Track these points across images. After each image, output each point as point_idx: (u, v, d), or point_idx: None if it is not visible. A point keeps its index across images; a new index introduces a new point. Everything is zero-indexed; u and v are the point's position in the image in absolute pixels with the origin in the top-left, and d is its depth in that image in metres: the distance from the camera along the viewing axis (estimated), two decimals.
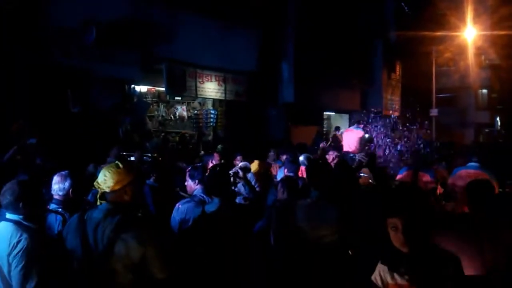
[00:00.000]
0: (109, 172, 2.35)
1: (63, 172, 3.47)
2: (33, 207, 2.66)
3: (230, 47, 10.02)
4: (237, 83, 10.53)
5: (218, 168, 3.70)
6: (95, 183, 2.38)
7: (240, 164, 5.63)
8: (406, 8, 15.65)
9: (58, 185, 3.40)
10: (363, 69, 15.30)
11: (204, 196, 3.44)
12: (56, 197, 3.41)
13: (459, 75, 21.47)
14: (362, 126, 8.47)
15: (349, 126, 15.57)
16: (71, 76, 6.97)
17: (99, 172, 2.46)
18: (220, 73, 9.96)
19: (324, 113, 15.11)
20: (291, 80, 11.69)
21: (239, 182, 4.84)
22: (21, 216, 2.57)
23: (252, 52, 10.59)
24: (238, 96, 10.44)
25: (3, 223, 2.58)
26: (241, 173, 4.88)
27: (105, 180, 2.34)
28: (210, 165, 5.18)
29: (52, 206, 3.38)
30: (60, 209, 3.33)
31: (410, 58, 16.80)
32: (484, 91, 22.98)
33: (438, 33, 16.07)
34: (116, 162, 2.44)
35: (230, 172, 4.59)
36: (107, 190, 2.34)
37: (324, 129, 14.86)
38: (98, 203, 2.41)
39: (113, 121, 7.91)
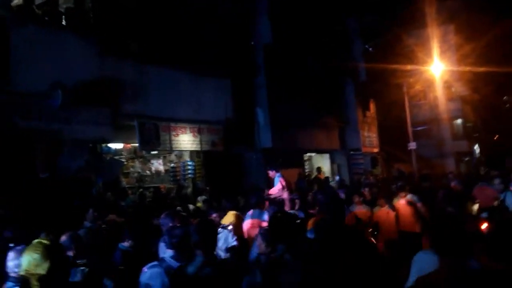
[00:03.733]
0: (37, 253, 2.22)
1: (18, 247, 3.25)
2: None
3: (202, 98, 10.11)
4: (213, 133, 10.51)
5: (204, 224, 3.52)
6: (22, 272, 2.22)
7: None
8: (370, 48, 16.29)
9: (13, 262, 3.18)
10: (338, 108, 15.62)
11: (173, 263, 3.23)
12: (12, 274, 3.17)
13: (430, 106, 22.14)
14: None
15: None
16: (38, 141, 6.82)
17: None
18: (194, 125, 9.95)
19: (305, 154, 15.15)
20: (268, 125, 11.78)
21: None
22: None
23: (225, 101, 10.68)
24: (214, 146, 10.39)
25: None
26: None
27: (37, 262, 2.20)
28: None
29: (9, 284, 3.13)
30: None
31: (382, 94, 17.27)
32: (459, 121, 23.60)
33: (407, 67, 16.67)
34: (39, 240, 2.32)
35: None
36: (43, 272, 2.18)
37: (307, 171, 14.83)
38: None
39: (85, 183, 7.67)
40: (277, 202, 6.29)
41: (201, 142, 10.21)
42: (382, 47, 16.51)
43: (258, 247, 3.85)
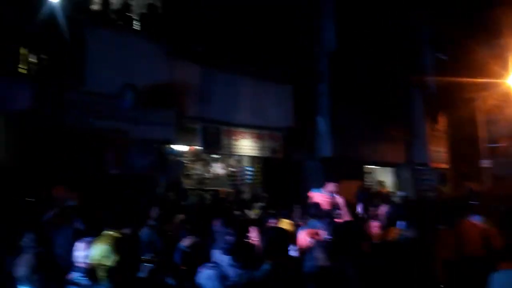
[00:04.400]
0: (107, 245, 2.21)
1: (87, 239, 3.35)
2: (48, 280, 2.52)
3: (264, 104, 10.10)
4: (273, 139, 10.44)
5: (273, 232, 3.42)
6: (91, 262, 2.23)
7: None
8: (442, 56, 15.36)
9: (82, 252, 3.28)
10: (404, 120, 14.86)
11: (229, 269, 3.17)
12: (79, 264, 3.26)
13: (507, 122, 20.38)
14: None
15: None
16: (109, 139, 7.15)
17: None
18: (255, 130, 9.96)
19: (366, 166, 14.60)
20: (328, 133, 11.49)
21: None
22: None
23: (286, 107, 10.59)
24: (274, 153, 10.32)
25: None
26: None
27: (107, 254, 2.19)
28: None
29: (75, 274, 3.22)
30: (83, 278, 3.15)
31: (452, 108, 16.22)
32: None
33: (481, 80, 15.51)
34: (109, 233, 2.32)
35: None
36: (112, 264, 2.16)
37: (367, 184, 14.26)
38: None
39: (150, 181, 7.93)
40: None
41: (261, 148, 10.18)
42: (454, 57, 15.56)
43: (316, 260, 3.67)
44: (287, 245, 3.12)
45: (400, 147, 14.64)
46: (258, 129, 10.11)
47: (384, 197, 11.67)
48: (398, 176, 15.20)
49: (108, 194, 6.93)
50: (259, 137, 10.16)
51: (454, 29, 15.19)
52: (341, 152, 11.52)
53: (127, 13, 8.20)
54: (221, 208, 7.95)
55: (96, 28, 7.20)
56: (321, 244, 3.62)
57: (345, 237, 3.81)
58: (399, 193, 14.14)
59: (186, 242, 5.12)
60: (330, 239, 4.13)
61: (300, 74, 11.06)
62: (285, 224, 5.59)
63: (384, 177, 14.94)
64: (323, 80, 11.77)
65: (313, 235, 5.09)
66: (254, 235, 4.57)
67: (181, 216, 6.40)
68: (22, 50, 6.61)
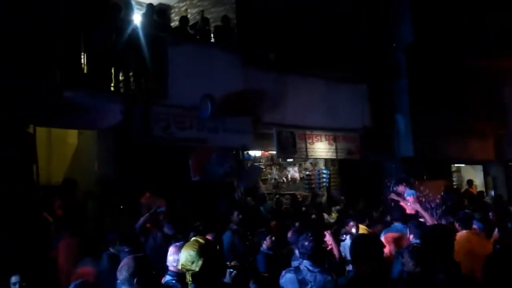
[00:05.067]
0: (193, 250, 2.34)
1: (178, 243, 3.55)
2: (147, 283, 2.72)
3: (338, 105, 9.94)
4: (349, 141, 10.23)
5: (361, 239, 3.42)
6: (179, 266, 2.37)
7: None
8: None
9: (173, 256, 3.48)
10: (493, 113, 13.63)
11: (308, 273, 3.20)
12: (171, 268, 3.48)
13: None
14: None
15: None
16: (190, 148, 7.57)
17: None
18: (329, 132, 9.84)
19: (453, 165, 13.66)
20: (409, 132, 10.95)
21: None
22: None
23: (361, 107, 10.33)
24: (350, 154, 10.10)
25: None
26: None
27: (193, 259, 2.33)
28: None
29: (167, 278, 3.45)
30: (174, 281, 3.37)
31: None
32: None
33: None
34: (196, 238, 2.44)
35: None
36: (197, 269, 2.29)
37: (454, 183, 13.35)
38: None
39: (229, 187, 8.24)
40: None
41: (336, 150, 10.02)
42: None
43: (405, 265, 3.55)
44: (375, 252, 3.07)
45: (489, 143, 13.42)
46: (332, 131, 9.98)
47: (475, 198, 10.87)
48: (488, 174, 14.01)
49: (191, 200, 7.36)
50: (334, 139, 10.02)
51: None
52: (424, 151, 10.92)
53: (204, 27, 8.63)
54: (299, 212, 8.02)
55: (176, 44, 7.64)
56: (408, 249, 3.49)
57: (436, 242, 3.65)
58: (491, 192, 13.06)
59: (267, 244, 5.27)
60: (418, 244, 3.97)
61: (376, 71, 10.72)
62: (361, 229, 5.48)
63: (472, 175, 13.87)
64: (401, 75, 11.27)
65: (398, 240, 4.93)
66: (329, 240, 4.56)
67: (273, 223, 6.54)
68: (112, 69, 7.25)
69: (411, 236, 4.35)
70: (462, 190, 12.65)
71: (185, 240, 3.58)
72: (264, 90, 8.65)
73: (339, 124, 10.00)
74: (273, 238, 5.48)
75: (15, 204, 5.69)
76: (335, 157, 10.00)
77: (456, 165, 14.04)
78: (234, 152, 8.22)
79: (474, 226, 5.20)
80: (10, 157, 6.00)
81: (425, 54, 11.30)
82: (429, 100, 11.22)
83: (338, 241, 4.84)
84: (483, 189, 13.04)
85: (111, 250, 4.61)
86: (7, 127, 6.09)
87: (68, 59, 6.69)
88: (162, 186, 6.83)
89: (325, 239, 4.65)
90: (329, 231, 4.87)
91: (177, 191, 7.21)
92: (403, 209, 5.89)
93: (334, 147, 9.89)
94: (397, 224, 5.39)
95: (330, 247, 4.66)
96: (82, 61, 6.81)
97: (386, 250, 4.96)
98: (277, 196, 9.90)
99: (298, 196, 9.90)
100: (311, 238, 3.36)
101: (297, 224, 6.09)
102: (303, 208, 9.03)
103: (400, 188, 6.77)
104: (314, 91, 9.66)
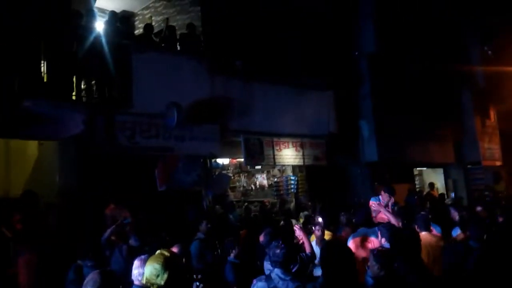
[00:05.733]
0: (158, 263, 2.32)
1: (143, 257, 3.48)
2: None
3: (305, 112, 10.08)
4: (315, 147, 10.38)
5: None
6: (144, 281, 2.34)
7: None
8: (489, 52, 14.63)
9: (137, 270, 3.40)
10: (453, 118, 14.27)
11: (280, 281, 3.21)
12: (136, 282, 3.40)
13: None
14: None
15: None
16: (156, 157, 7.45)
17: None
18: (296, 139, 9.96)
19: (415, 169, 14.13)
20: (373, 137, 11.26)
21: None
22: None
23: (327, 114, 10.51)
24: (317, 160, 10.24)
25: None
26: None
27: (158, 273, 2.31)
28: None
29: None
30: None
31: (504, 101, 15.35)
32: None
33: None
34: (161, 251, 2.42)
35: None
36: (162, 283, 2.28)
37: (417, 187, 13.80)
38: None
39: (197, 196, 8.16)
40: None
41: (303, 156, 10.13)
42: (503, 48, 14.75)
43: (370, 269, 3.62)
44: (344, 258, 3.12)
45: (449, 147, 14.08)
46: (299, 138, 10.09)
47: (436, 200, 11.27)
48: (448, 176, 14.60)
49: (158, 210, 7.22)
50: (301, 146, 10.13)
51: (500, 21, 14.45)
52: (388, 156, 11.25)
53: (169, 35, 8.55)
54: (267, 219, 8.03)
55: (141, 52, 7.53)
56: (373, 252, 3.55)
57: (406, 243, 3.74)
58: (451, 194, 13.60)
59: (234, 254, 5.24)
60: (385, 247, 4.05)
61: (340, 78, 10.96)
62: (327, 235, 5.56)
63: (434, 178, 14.41)
64: (364, 82, 11.59)
65: (363, 244, 5.02)
66: (299, 234, 4.61)
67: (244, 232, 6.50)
68: (73, 78, 7.05)
69: (383, 240, 4.39)
70: (424, 193, 13.10)
71: (152, 252, 3.52)
72: (231, 97, 8.66)
73: (306, 130, 10.13)
74: (241, 247, 5.46)
75: None
76: (302, 164, 10.11)
77: (418, 168, 14.54)
78: (201, 160, 8.16)
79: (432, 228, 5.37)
80: None
81: (386, 61, 11.70)
82: (392, 106, 11.59)
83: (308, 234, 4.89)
84: (444, 192, 13.56)
85: (78, 262, 4.48)
86: None
87: (27, 67, 6.46)
88: (127, 196, 6.67)
89: (296, 234, 4.68)
90: (298, 225, 4.91)
91: (143, 201, 7.06)
92: (367, 213, 5.99)
93: (301, 153, 9.99)
94: (362, 228, 5.49)
95: (301, 241, 4.70)
96: (42, 69, 6.59)
97: (356, 254, 5.06)
98: (246, 203, 9.90)
99: (267, 203, 9.92)
100: (282, 245, 3.37)
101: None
102: (272, 215, 9.06)
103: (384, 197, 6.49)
104: (281, 98, 9.75)
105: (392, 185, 6.91)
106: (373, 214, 6.07)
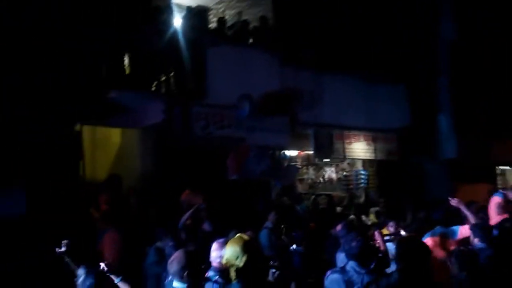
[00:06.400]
0: (238, 246, 2.39)
1: (221, 240, 3.62)
2: (197, 277, 2.79)
3: (377, 105, 9.77)
4: (388, 141, 10.03)
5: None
6: (224, 261, 2.43)
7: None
8: None
9: (216, 252, 3.54)
10: None
11: (354, 274, 3.16)
12: (214, 264, 3.54)
13: None
14: None
15: None
16: (228, 147, 7.67)
17: None
18: (368, 133, 9.70)
19: (498, 167, 13.07)
20: (452, 133, 10.57)
21: None
22: (185, 285, 2.71)
23: (401, 107, 10.09)
24: (389, 155, 9.90)
25: None
26: None
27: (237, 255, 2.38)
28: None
29: (210, 273, 3.51)
30: (217, 277, 3.43)
31: None
32: None
33: None
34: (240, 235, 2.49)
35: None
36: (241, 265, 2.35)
37: (499, 187, 12.76)
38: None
39: (266, 186, 8.28)
40: None
41: (375, 150, 9.86)
42: None
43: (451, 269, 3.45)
44: (420, 256, 3.01)
45: None
46: (371, 131, 9.82)
47: None
48: None
49: (229, 198, 7.44)
50: (372, 139, 9.85)
51: None
52: (468, 153, 10.51)
53: (241, 28, 8.71)
54: (336, 212, 7.93)
55: (214, 46, 7.76)
56: (455, 253, 3.40)
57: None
58: None
59: (300, 244, 5.26)
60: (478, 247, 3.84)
61: (416, 69, 10.45)
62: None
63: None
64: (443, 73, 10.90)
65: (444, 243, 4.77)
66: (378, 238, 4.49)
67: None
68: (153, 70, 7.46)
69: (476, 240, 4.16)
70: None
71: (224, 237, 3.65)
72: (301, 89, 8.62)
73: (378, 124, 9.83)
74: (309, 238, 5.46)
75: (63, 199, 5.99)
76: (373, 158, 9.83)
77: (501, 167, 13.44)
78: (271, 151, 8.24)
79: None
80: (59, 154, 6.32)
81: (468, 51, 10.88)
82: (474, 99, 10.80)
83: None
84: None
85: (158, 244, 4.75)
86: (56, 125, 6.42)
87: (112, 61, 6.96)
88: (201, 184, 6.95)
89: (375, 238, 4.58)
90: (378, 231, 4.80)
91: (215, 189, 7.31)
92: (447, 211, 5.67)
93: (372, 147, 9.73)
94: (439, 227, 5.23)
95: (378, 244, 4.59)
96: (125, 63, 7.06)
97: (434, 253, 4.82)
98: (313, 196, 9.83)
99: (334, 196, 9.79)
100: (359, 238, 3.33)
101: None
102: (340, 209, 8.92)
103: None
104: (353, 90, 9.55)
105: (470, 184, 6.44)
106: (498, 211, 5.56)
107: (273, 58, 8.37)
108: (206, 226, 5.79)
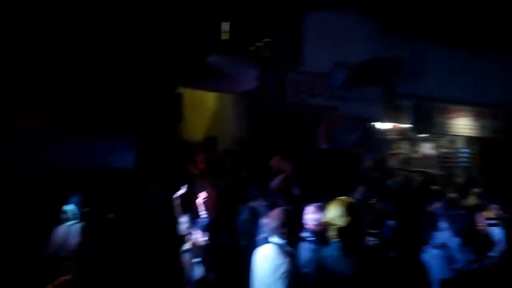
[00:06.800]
0: (342, 207, 2.47)
1: (317, 204, 3.69)
2: (294, 234, 2.92)
3: (484, 78, 8.91)
4: (495, 118, 9.11)
5: None
6: (326, 220, 2.51)
7: None
8: None
9: (312, 215, 3.63)
10: None
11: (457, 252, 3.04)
12: (309, 226, 3.63)
13: None
14: None
15: None
16: (320, 115, 7.59)
17: None
18: (473, 108, 8.87)
19: None
20: None
21: None
22: (284, 241, 2.83)
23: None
24: (495, 133, 9.00)
25: (268, 245, 2.89)
26: None
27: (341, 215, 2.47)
28: None
29: (305, 234, 3.61)
30: (311, 238, 3.51)
31: None
32: None
33: None
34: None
35: None
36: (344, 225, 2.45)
37: None
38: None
39: (356, 158, 8.09)
40: None
41: (479, 127, 9.04)
42: None
43: None
44: None
45: None
46: (476, 106, 8.99)
47: None
48: None
49: (318, 167, 7.43)
50: (477, 115, 9.03)
51: None
52: None
53: None
54: (432, 190, 7.49)
55: (311, 11, 7.59)
56: None
57: None
58: None
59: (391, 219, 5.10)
60: None
61: None
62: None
63: None
64: None
65: None
66: (481, 221, 4.20)
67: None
68: (250, 36, 7.56)
69: None
70: None
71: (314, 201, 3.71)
72: (401, 59, 8.14)
73: (484, 99, 8.98)
74: (402, 215, 5.28)
75: (166, 156, 6.49)
76: (477, 135, 9.03)
77: None
78: (363, 122, 7.99)
79: None
80: (163, 115, 6.82)
81: None
82: None
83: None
84: None
85: (252, 204, 4.96)
86: (160, 88, 6.90)
87: (211, 27, 7.21)
88: (291, 151, 7.02)
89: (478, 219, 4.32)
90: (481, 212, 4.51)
91: (304, 157, 7.34)
92: None
93: (477, 124, 8.92)
94: None
95: (482, 227, 4.33)
96: (223, 29, 7.25)
97: None
98: (406, 172, 9.39)
99: (430, 174, 9.22)
100: (467, 216, 3.19)
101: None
102: (436, 188, 8.40)
103: None
104: (458, 60, 8.76)
105: None
106: None
107: (372, 26, 7.97)
108: (295, 191, 5.87)
